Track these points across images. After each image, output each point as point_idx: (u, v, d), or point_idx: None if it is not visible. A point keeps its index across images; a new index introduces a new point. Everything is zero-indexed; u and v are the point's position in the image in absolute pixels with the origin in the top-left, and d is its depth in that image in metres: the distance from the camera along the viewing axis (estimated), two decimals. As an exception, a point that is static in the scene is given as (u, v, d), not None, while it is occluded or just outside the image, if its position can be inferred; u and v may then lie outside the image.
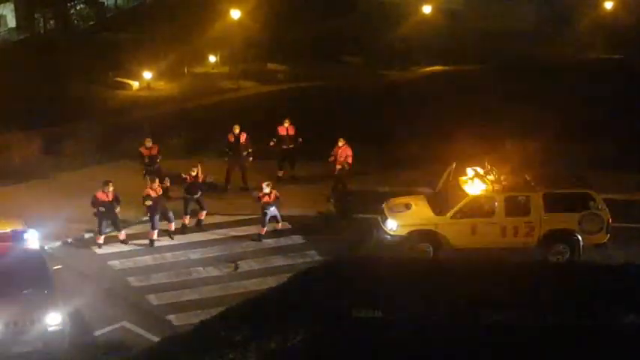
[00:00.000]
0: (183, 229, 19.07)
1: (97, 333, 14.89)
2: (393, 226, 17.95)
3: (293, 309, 14.01)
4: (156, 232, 18.48)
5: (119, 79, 33.30)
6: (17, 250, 14.89)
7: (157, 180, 18.82)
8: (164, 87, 33.59)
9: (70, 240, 18.59)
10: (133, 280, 17.03)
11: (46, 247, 17.03)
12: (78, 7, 39.76)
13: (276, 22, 37.45)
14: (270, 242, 18.83)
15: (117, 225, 18.51)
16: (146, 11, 38.99)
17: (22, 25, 37.70)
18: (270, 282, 16.27)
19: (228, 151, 21.41)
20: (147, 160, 20.64)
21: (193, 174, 19.20)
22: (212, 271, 17.48)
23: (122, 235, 18.58)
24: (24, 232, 15.24)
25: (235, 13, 35.79)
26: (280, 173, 22.13)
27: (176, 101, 31.22)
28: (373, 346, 12.67)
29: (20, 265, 14.51)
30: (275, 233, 19.04)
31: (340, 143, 20.92)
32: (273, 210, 18.83)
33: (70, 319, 14.37)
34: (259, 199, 18.75)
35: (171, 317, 15.66)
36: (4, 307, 13.73)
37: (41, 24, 37.70)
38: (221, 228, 19.30)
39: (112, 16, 41.38)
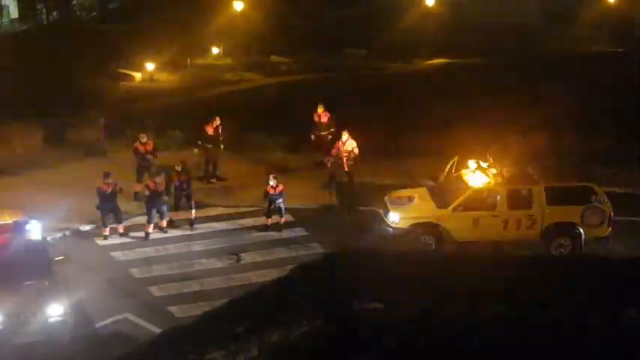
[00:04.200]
0: (170, 224, 18.94)
1: (99, 324, 14.94)
2: (395, 218, 17.95)
3: (295, 301, 14.02)
4: (151, 225, 18.47)
5: (121, 70, 33.23)
6: (19, 241, 14.88)
7: (163, 175, 18.68)
8: (167, 78, 33.49)
9: (69, 232, 18.58)
10: (136, 272, 17.05)
11: (48, 239, 17.03)
12: (80, -2, 39.69)
13: (279, 13, 37.33)
14: (272, 234, 18.85)
15: (118, 217, 18.48)
16: (148, 2, 38.82)
17: (25, 16, 37.61)
18: (273, 274, 16.27)
19: (205, 143, 21.34)
20: (140, 156, 20.46)
21: (179, 169, 19.09)
22: (214, 263, 17.50)
23: (120, 227, 18.55)
24: (26, 223, 15.23)
25: (238, 5, 35.71)
26: (319, 159, 22.13)
27: (178, 93, 31.17)
28: (375, 338, 12.68)
29: (22, 256, 14.54)
30: (278, 225, 19.04)
31: (344, 137, 20.87)
32: (279, 202, 18.79)
33: (72, 311, 14.39)
34: (267, 193, 18.65)
35: (173, 309, 15.69)
36: (5, 298, 13.77)
37: (44, 14, 37.59)
38: (223, 220, 19.32)
39: (115, 7, 41.25)
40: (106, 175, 18.23)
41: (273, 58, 37.05)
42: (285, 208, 19.04)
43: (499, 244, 17.52)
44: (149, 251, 17.91)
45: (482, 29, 37.95)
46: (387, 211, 18.18)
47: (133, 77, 33.06)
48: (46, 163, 22.32)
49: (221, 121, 21.52)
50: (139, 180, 20.20)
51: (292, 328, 13.32)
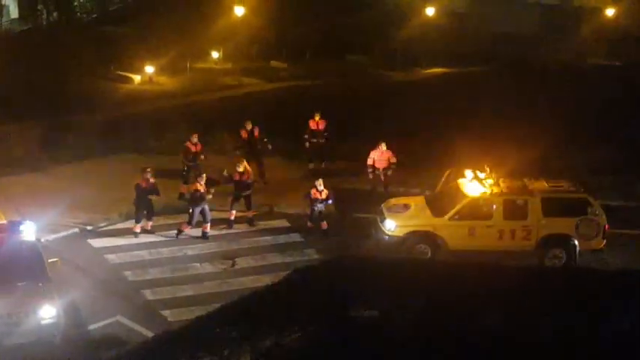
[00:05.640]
0: (230, 224, 19.06)
1: (92, 327, 14.83)
2: (391, 226, 17.93)
3: (289, 307, 13.98)
4: (189, 227, 18.38)
5: (121, 72, 33.24)
6: (13, 241, 14.81)
7: (204, 175, 18.62)
8: (166, 81, 33.54)
9: (64, 233, 18.50)
10: (129, 275, 16.98)
11: (42, 240, 16.98)
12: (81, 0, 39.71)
13: (280, 19, 37.43)
14: (268, 239, 18.80)
15: (149, 214, 18.43)
16: (149, 5, 38.88)
17: (25, 16, 37.61)
18: (267, 279, 16.16)
19: (242, 146, 21.59)
20: (191, 156, 20.57)
21: (240, 170, 19.10)
22: (208, 268, 17.44)
23: (149, 225, 18.56)
24: (20, 223, 15.16)
25: (239, 10, 35.77)
26: (311, 166, 22.51)
27: (177, 96, 31.19)
28: (370, 345, 12.64)
29: (16, 257, 14.46)
30: (273, 231, 19.01)
31: (383, 147, 20.96)
32: (321, 206, 18.76)
33: (65, 313, 14.32)
34: (311, 197, 18.62)
35: (166, 313, 15.61)
36: (-2, 299, 13.69)
37: (44, 15, 37.60)
38: (219, 224, 19.25)
39: (115, 9, 41.29)
40: (144, 170, 18.20)
41: (273, 63, 37.11)
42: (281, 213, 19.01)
43: (494, 254, 17.49)
44: (144, 254, 17.84)
45: (482, 40, 38.08)
46: (383, 219, 18.17)
47: (132, 80, 33.09)
48: (42, 165, 22.26)
49: (253, 125, 21.64)
50: (186, 181, 20.22)
51: (285, 334, 13.28)
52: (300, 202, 20.01)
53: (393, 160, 21.00)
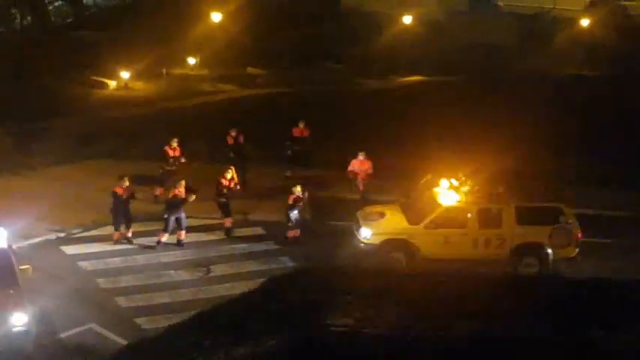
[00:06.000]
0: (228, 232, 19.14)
1: (64, 334, 14.68)
2: (366, 234, 17.96)
3: (264, 315, 13.92)
4: (166, 235, 18.28)
5: (95, 77, 32.97)
6: (-16, 248, 14.62)
7: (183, 182, 18.54)
8: (142, 87, 33.33)
9: (36, 240, 18.30)
10: (103, 282, 16.84)
11: (13, 246, 16.75)
12: (56, 4, 39.36)
13: (257, 26, 37.39)
14: (243, 247, 18.76)
15: (128, 221, 18.30)
16: (125, 11, 38.67)
17: (-2, 20, 37.19)
18: (242, 287, 16.08)
19: (230, 153, 21.63)
20: (170, 160, 20.59)
21: (229, 177, 19.15)
22: (183, 275, 17.35)
23: (129, 232, 18.43)
24: (-9, 229, 14.96)
25: (216, 16, 35.67)
26: (288, 173, 22.48)
27: (152, 102, 31.01)
28: (344, 355, 12.61)
29: (-13, 264, 14.25)
30: (247, 239, 18.96)
31: (361, 157, 21.10)
32: (295, 213, 18.72)
33: (37, 320, 14.16)
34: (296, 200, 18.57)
35: (140, 320, 15.50)
36: (-32, 306, 13.49)
37: (17, 19, 37.19)
38: (194, 232, 19.14)
39: (90, 14, 41.00)
40: (121, 177, 18.06)
41: (250, 70, 37.06)
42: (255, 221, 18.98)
43: (469, 262, 17.57)
44: (117, 261, 17.71)
45: (459, 49, 38.32)
46: (359, 227, 18.19)
47: (107, 85, 32.84)
48: (14, 170, 22.03)
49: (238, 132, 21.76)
50: (162, 185, 20.21)
51: (260, 343, 13.22)
52: (275, 210, 19.98)
53: (370, 171, 21.08)
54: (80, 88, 31.43)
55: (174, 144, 20.78)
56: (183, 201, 18.12)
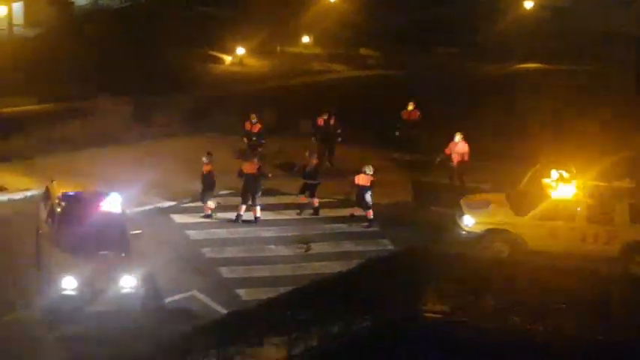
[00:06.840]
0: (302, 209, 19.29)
1: (168, 299, 15.24)
2: (469, 222, 17.68)
3: (359, 296, 14.01)
4: (244, 207, 18.56)
5: (213, 52, 33.88)
6: (100, 211, 15.38)
7: (256, 158, 18.88)
8: (255, 64, 33.96)
9: (149, 207, 19.03)
10: (207, 251, 17.36)
11: (127, 211, 17.54)
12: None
13: (371, 7, 37.21)
14: (343, 227, 18.85)
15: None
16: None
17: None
18: (340, 266, 16.27)
19: (317, 133, 21.85)
20: (254, 136, 21.13)
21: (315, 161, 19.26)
22: (283, 250, 17.64)
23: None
24: (107, 194, 15.70)
25: (331, -4, 35.83)
26: (396, 155, 22.79)
27: (266, 79, 31.54)
28: (438, 341, 12.56)
29: (101, 227, 14.99)
30: (347, 219, 19.04)
31: (457, 138, 20.73)
32: (370, 195, 18.71)
33: (144, 284, 14.76)
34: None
35: (240, 291, 15.86)
36: (82, 266, 14.24)
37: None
38: (294, 209, 19.38)
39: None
40: (207, 155, 18.57)
41: (362, 50, 37.00)
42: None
43: (575, 258, 16.99)
44: (222, 233, 18.20)
45: (582, 37, 36.75)
46: (461, 214, 17.93)
47: (223, 60, 33.68)
48: (132, 140, 22.96)
49: (330, 114, 21.92)
50: (243, 158, 20.50)
51: (353, 322, 13.33)
52: (378, 192, 19.98)
53: (466, 158, 20.57)
54: (198, 62, 32.34)
55: (254, 119, 21.06)
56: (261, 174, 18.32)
